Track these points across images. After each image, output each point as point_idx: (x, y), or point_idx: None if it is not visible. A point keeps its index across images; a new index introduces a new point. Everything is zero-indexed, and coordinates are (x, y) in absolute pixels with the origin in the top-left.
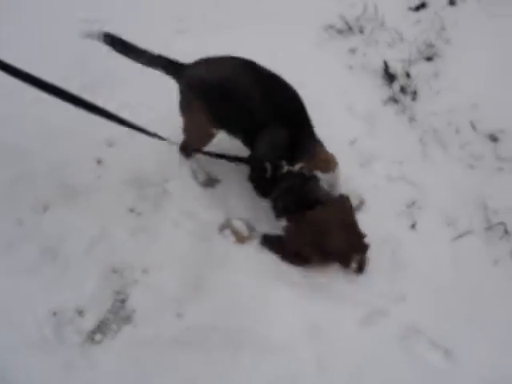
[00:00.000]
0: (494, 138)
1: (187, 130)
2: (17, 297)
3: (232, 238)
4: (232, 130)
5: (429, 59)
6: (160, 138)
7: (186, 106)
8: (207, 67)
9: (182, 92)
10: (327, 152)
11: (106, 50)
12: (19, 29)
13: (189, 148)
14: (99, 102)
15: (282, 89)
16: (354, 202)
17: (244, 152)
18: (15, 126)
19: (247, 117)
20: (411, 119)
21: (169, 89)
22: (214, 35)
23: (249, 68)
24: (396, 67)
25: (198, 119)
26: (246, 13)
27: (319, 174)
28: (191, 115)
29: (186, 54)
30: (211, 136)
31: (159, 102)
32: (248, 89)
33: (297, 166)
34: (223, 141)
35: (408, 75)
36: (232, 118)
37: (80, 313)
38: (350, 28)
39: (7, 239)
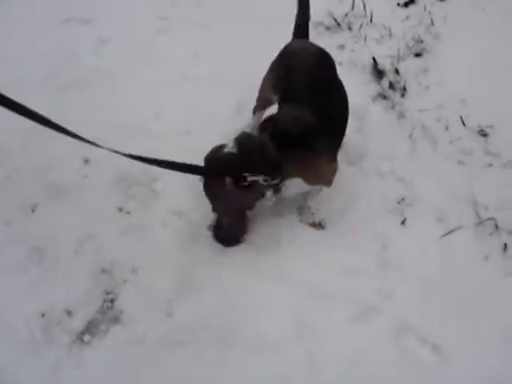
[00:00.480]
0: (483, 134)
1: (260, 89)
2: (4, 297)
3: None
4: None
5: (418, 55)
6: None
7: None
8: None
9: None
10: (329, 168)
11: (94, 47)
12: (7, 25)
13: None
14: (87, 99)
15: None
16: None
17: None
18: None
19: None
20: (400, 115)
21: (156, 88)
22: (196, 35)
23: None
24: (385, 63)
25: (270, 77)
26: (230, 12)
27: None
28: (268, 72)
29: (167, 53)
30: (269, 101)
31: (146, 99)
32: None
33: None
34: None
35: (397, 71)
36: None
37: (69, 313)
38: (339, 24)
39: None
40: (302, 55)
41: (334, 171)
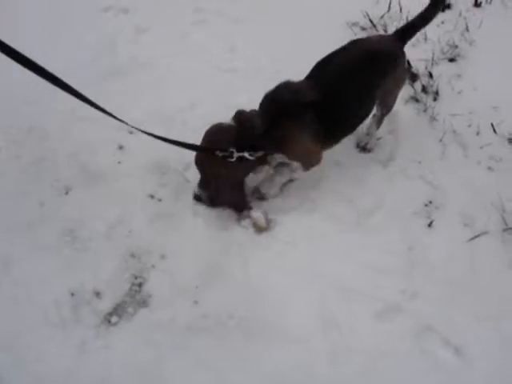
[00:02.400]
0: None
1: None
2: (36, 276)
3: (251, 229)
4: None
5: (452, 60)
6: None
7: None
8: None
9: None
10: (307, 147)
11: (132, 36)
12: (48, 12)
13: None
14: (124, 87)
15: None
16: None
17: None
18: (39, 109)
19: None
20: (432, 119)
21: (191, 79)
22: (232, 28)
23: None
24: (418, 67)
25: None
26: (265, 6)
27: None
28: None
29: (203, 45)
30: None
31: (182, 89)
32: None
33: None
34: None
35: (430, 75)
36: None
37: (97, 294)
38: (374, 25)
39: (29, 219)
40: (359, 47)
41: (312, 154)
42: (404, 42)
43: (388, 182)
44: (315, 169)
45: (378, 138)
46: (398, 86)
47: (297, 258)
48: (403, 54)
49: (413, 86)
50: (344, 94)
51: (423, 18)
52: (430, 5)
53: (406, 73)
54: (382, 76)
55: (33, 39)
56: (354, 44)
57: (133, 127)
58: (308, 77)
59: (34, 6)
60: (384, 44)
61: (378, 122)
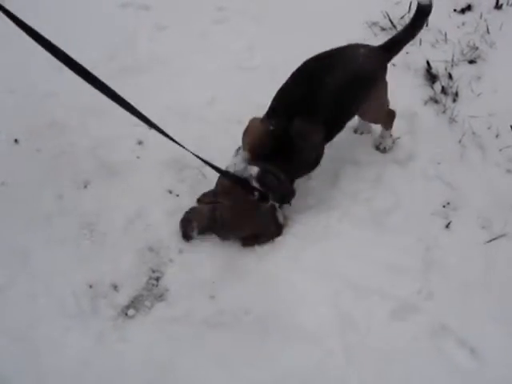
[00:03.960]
0: None
1: None
2: (55, 268)
3: None
4: None
5: (472, 62)
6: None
7: None
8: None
9: None
10: None
11: (151, 33)
12: (66, 7)
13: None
14: (143, 84)
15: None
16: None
17: None
18: (59, 103)
19: None
20: (451, 120)
21: (210, 77)
22: (252, 27)
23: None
24: (438, 68)
25: None
26: (286, 6)
27: None
28: None
29: (222, 43)
30: None
31: (201, 87)
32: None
33: None
34: None
35: (450, 76)
36: None
37: (115, 287)
38: (394, 26)
39: (47, 212)
40: (344, 60)
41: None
42: (390, 57)
43: (406, 182)
44: (333, 167)
45: (396, 138)
46: (378, 99)
47: (313, 256)
48: (385, 69)
49: (432, 87)
50: (336, 110)
51: (407, 33)
52: (413, 19)
53: (385, 87)
54: (363, 91)
55: (50, 35)
56: (339, 56)
57: (173, 139)
58: (287, 94)
59: (52, 2)
60: (369, 59)
61: (386, 124)
